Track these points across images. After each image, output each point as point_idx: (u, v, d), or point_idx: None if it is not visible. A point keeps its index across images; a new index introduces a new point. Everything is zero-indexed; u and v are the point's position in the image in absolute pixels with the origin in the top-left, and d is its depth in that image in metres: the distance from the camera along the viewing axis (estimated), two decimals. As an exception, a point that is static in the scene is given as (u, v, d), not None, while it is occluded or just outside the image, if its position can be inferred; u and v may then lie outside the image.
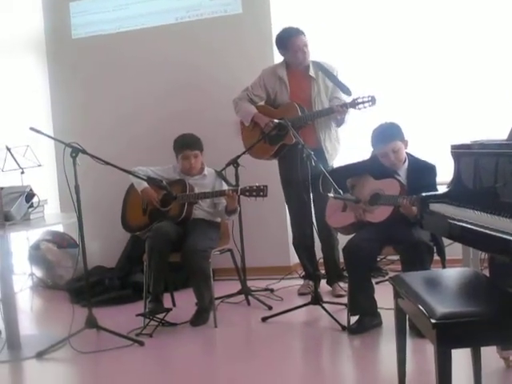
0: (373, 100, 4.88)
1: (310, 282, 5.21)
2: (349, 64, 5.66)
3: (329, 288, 5.38)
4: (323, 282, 5.39)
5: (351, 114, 5.13)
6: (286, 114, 5.08)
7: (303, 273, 5.58)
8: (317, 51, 5.38)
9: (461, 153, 3.22)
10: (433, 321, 2.48)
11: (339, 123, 5.15)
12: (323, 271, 5.46)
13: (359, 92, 4.96)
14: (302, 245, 5.29)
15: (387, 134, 4.31)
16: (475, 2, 5.66)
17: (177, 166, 5.11)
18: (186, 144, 5.04)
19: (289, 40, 5.13)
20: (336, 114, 5.01)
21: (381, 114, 5.09)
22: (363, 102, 4.90)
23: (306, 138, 4.91)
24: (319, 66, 5.16)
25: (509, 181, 2.73)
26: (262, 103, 5.37)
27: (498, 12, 5.55)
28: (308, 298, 4.77)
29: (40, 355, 4.24)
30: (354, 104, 4.93)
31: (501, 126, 3.18)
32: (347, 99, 5.05)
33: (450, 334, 2.49)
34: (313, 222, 4.77)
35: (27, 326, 5.09)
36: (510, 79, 5.46)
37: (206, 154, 5.23)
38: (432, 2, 5.76)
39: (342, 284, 5.22)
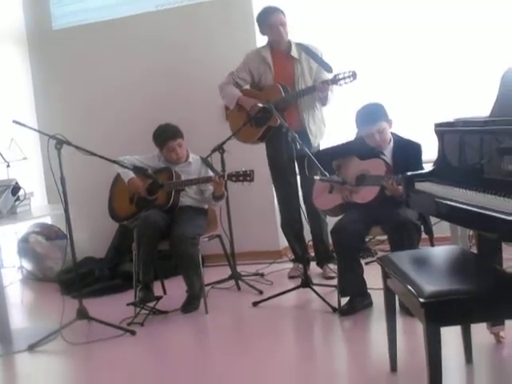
0: (353, 75, 4.88)
1: (300, 265, 5.22)
2: (332, 45, 5.66)
3: (319, 270, 5.40)
4: (313, 264, 5.41)
5: (335, 94, 5.13)
6: (270, 95, 5.08)
7: (292, 256, 5.59)
8: (300, 32, 5.38)
9: (444, 130, 3.23)
10: (421, 300, 2.50)
11: (323, 102, 5.15)
12: (312, 254, 5.47)
13: (341, 68, 4.96)
14: (291, 228, 5.30)
15: (372, 115, 4.30)
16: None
17: (161, 155, 5.09)
18: (167, 135, 4.99)
19: (266, 16, 5.16)
20: (318, 91, 5.01)
21: (364, 93, 5.12)
22: (344, 78, 4.90)
23: (290, 119, 4.92)
24: (302, 47, 5.16)
25: (493, 157, 2.73)
26: (248, 87, 5.36)
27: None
28: (298, 281, 4.78)
29: (32, 348, 4.23)
30: (336, 80, 4.92)
31: (483, 103, 3.18)
32: (330, 77, 5.04)
33: (438, 313, 2.50)
34: (300, 205, 4.78)
35: (18, 319, 5.09)
36: (492, 55, 5.45)
37: (192, 140, 5.22)
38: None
39: (331, 265, 5.22)
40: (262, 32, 5.25)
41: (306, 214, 4.96)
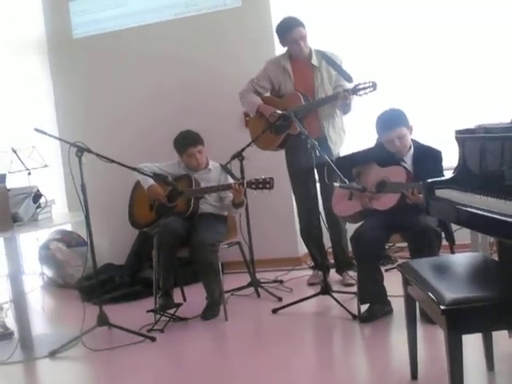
0: (374, 85, 4.87)
1: (319, 272, 5.21)
2: (351, 51, 5.64)
3: (338, 277, 5.39)
4: (332, 271, 5.40)
5: (356, 102, 5.13)
6: (290, 103, 5.09)
7: (312, 263, 5.59)
8: (319, 40, 5.38)
9: (465, 137, 3.21)
10: (442, 307, 2.49)
11: (345, 111, 5.13)
12: (332, 261, 5.46)
13: (361, 78, 4.95)
14: (310, 235, 5.29)
15: (392, 121, 4.29)
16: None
17: (181, 162, 5.11)
18: (188, 141, 5.02)
19: (286, 31, 5.13)
20: (339, 100, 5.01)
21: (384, 100, 5.08)
22: (364, 88, 4.89)
23: (309, 127, 4.92)
24: (322, 55, 5.16)
25: (514, 164, 2.72)
26: (268, 94, 5.38)
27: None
28: (318, 289, 4.77)
29: (53, 354, 4.26)
30: (356, 90, 4.91)
31: (504, 110, 3.17)
32: (350, 86, 5.04)
33: (459, 320, 2.49)
34: (320, 212, 4.77)
35: (39, 325, 5.12)
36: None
37: (211, 147, 5.24)
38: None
39: (351, 273, 5.21)
40: (282, 44, 5.23)
41: (325, 221, 4.96)
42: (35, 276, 6.55)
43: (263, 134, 5.17)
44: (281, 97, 5.26)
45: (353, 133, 5.48)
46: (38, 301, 5.95)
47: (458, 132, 3.26)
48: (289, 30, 5.11)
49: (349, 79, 5.05)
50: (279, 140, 5.23)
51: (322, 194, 5.09)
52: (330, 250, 5.42)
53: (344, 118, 5.28)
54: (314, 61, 5.16)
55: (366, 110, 5.19)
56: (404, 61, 5.84)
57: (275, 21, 5.46)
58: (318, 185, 5.06)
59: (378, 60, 5.82)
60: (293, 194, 5.51)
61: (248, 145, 5.22)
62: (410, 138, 4.34)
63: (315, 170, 4.82)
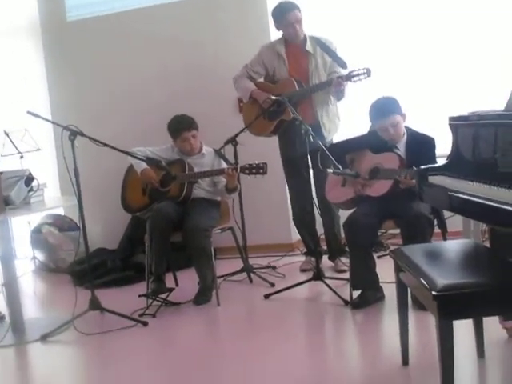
0: (368, 72, 4.86)
1: (312, 259, 5.21)
2: (345, 38, 5.64)
3: (331, 263, 5.39)
4: (325, 257, 5.40)
5: (350, 89, 5.11)
6: (284, 89, 5.08)
7: (305, 249, 5.59)
8: (313, 26, 5.35)
9: (459, 124, 3.21)
10: (433, 293, 2.49)
11: (339, 97, 5.13)
12: (324, 247, 5.46)
13: (355, 65, 4.94)
14: (303, 221, 5.30)
15: (385, 109, 4.29)
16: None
17: (175, 146, 5.09)
18: (182, 126, 5.01)
19: (282, 15, 5.12)
20: (333, 87, 5.00)
21: (378, 87, 5.09)
22: (358, 75, 4.89)
23: (303, 113, 4.90)
24: (317, 41, 5.14)
25: (507, 151, 2.71)
26: (262, 80, 5.36)
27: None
28: (310, 275, 4.78)
29: (44, 338, 4.26)
30: (350, 77, 4.91)
31: (497, 97, 3.16)
32: (344, 73, 5.03)
33: (451, 306, 2.49)
34: (313, 198, 4.77)
35: (31, 309, 5.12)
36: (506, 49, 5.42)
37: (205, 132, 5.23)
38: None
39: (343, 259, 5.22)
40: (277, 28, 5.22)
41: (318, 208, 4.96)
42: (27, 260, 6.55)
43: (256, 119, 5.16)
44: (275, 82, 5.24)
45: (348, 119, 5.46)
46: (30, 285, 5.96)
47: (452, 119, 3.26)
48: (284, 13, 5.09)
49: (343, 65, 5.04)
50: (272, 126, 5.22)
51: (315, 180, 5.09)
52: (323, 236, 5.43)
53: (338, 105, 5.27)
54: (309, 47, 5.15)
55: (360, 96, 5.17)
56: (398, 47, 5.82)
57: (271, 5, 5.43)
58: (311, 171, 5.05)
59: (371, 47, 5.81)
60: (286, 179, 5.50)
61: (241, 130, 5.20)
62: (403, 125, 4.33)
63: (309, 157, 4.81)
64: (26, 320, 4.53)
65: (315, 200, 4.86)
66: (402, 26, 5.81)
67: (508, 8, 5.44)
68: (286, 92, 5.01)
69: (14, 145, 5.85)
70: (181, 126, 5.01)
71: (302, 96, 5.08)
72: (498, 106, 3.01)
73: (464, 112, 3.24)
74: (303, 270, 5.38)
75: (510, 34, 5.45)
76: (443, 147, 3.77)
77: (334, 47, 5.15)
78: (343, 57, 5.07)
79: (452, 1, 5.66)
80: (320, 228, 5.31)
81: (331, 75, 5.11)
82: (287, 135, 5.16)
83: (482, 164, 2.94)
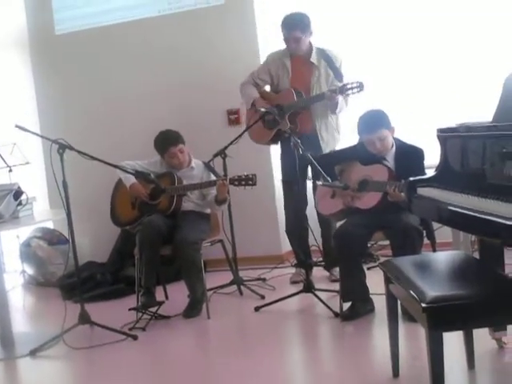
0: (361, 86, 4.89)
1: (302, 270, 5.21)
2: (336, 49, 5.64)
3: (321, 275, 5.40)
4: (315, 269, 5.40)
5: (349, 102, 5.15)
6: (284, 99, 5.13)
7: (295, 261, 5.59)
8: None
9: (447, 136, 3.22)
10: (423, 305, 2.50)
11: (333, 110, 5.15)
12: (315, 259, 5.46)
13: (349, 78, 4.96)
14: (296, 233, 5.29)
15: (373, 123, 4.30)
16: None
17: (163, 161, 5.09)
18: (169, 142, 5.00)
19: (283, 29, 5.18)
20: (327, 99, 5.02)
21: (367, 98, 5.10)
22: (352, 88, 4.91)
23: (303, 124, 4.99)
24: (322, 54, 5.18)
25: (495, 163, 2.72)
26: (268, 88, 5.39)
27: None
28: (300, 286, 4.77)
29: (34, 353, 4.23)
30: (343, 90, 4.93)
31: (485, 109, 3.18)
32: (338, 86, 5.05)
33: (440, 318, 2.50)
34: (305, 210, 4.77)
35: (20, 323, 5.09)
36: (494, 61, 5.45)
37: (195, 145, 5.23)
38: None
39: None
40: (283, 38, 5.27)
41: (318, 218, 4.94)
42: (16, 274, 6.51)
43: (252, 127, 5.19)
44: (278, 92, 5.28)
45: (349, 133, 5.46)
46: (19, 299, 5.91)
47: (440, 130, 3.27)
48: (284, 28, 5.16)
49: (339, 78, 5.08)
50: (271, 135, 5.26)
51: (314, 191, 5.09)
52: (314, 248, 5.42)
53: (339, 118, 5.30)
54: (314, 58, 5.19)
55: (358, 109, 5.19)
56: (387, 60, 5.85)
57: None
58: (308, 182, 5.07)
59: (361, 59, 5.82)
60: (282, 190, 5.48)
61: (239, 136, 5.17)
62: (391, 138, 4.34)
63: (309, 168, 4.81)
64: (15, 334, 4.49)
65: (314, 210, 4.86)
66: (391, 38, 5.84)
67: (493, 23, 5.49)
68: (285, 102, 5.07)
69: (3, 158, 5.81)
70: (167, 142, 5.00)
71: (300, 107, 5.11)
72: (486, 117, 3.02)
73: (452, 124, 3.26)
74: (293, 282, 5.37)
75: (496, 46, 5.48)
76: (432, 158, 3.78)
77: (338, 61, 5.18)
78: (344, 71, 5.10)
79: (439, 15, 5.68)
80: (317, 238, 5.29)
81: (331, 88, 5.13)
82: (287, 145, 5.16)
83: (471, 175, 2.94)
